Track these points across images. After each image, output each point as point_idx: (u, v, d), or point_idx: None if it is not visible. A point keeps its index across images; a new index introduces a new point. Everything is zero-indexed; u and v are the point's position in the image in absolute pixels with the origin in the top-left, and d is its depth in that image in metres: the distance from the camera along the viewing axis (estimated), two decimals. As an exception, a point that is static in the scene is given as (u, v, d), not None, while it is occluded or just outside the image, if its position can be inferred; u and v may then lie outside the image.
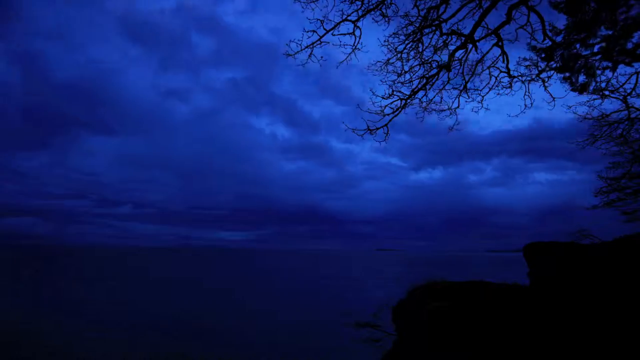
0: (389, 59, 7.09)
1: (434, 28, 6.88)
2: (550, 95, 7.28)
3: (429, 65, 7.23)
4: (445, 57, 7.18)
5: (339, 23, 6.60)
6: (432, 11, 6.63)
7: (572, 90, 7.45)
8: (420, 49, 7.09)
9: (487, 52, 7.10)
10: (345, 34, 6.79)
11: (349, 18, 6.61)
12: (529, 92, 7.24)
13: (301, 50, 6.65)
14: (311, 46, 6.66)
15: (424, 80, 7.32)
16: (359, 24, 6.71)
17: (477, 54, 7.11)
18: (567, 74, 7.29)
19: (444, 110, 7.63)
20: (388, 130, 7.51)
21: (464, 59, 7.27)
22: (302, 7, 6.31)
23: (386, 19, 6.61)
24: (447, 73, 7.32)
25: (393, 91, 7.28)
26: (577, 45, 6.88)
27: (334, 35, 6.72)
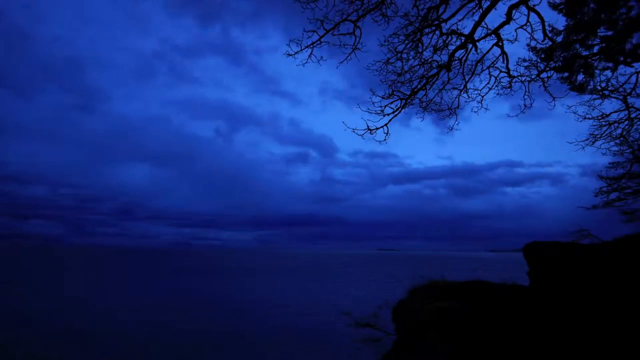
0: (388, 59, 7.09)
1: (433, 28, 6.88)
2: (551, 95, 7.29)
3: (429, 65, 7.24)
4: (445, 57, 7.18)
5: (339, 23, 6.60)
6: (432, 11, 6.63)
7: (571, 89, 7.46)
8: (420, 49, 7.09)
9: (487, 52, 7.11)
10: (345, 34, 6.79)
11: (349, 18, 6.62)
12: (529, 92, 7.26)
13: (301, 50, 6.66)
14: (311, 46, 6.67)
15: (424, 80, 7.32)
16: (359, 24, 6.71)
17: (477, 54, 7.11)
18: (567, 74, 7.30)
19: (444, 110, 7.66)
20: (388, 130, 7.52)
21: (464, 59, 7.27)
22: (302, 7, 6.31)
23: (386, 19, 6.61)
24: (447, 73, 7.33)
25: (393, 91, 7.29)
26: (577, 46, 6.89)
27: (334, 35, 6.72)
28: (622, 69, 7.27)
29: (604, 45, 6.58)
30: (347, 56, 6.98)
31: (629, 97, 7.95)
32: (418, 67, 7.22)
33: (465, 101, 7.59)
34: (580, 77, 7.08)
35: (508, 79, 7.29)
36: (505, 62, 7.14)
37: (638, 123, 8.44)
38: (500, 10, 6.34)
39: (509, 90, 7.34)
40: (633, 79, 7.58)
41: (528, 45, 6.97)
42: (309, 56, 6.76)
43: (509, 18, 6.41)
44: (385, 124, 7.46)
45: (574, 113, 8.35)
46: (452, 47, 7.06)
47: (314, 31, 6.55)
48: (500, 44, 6.86)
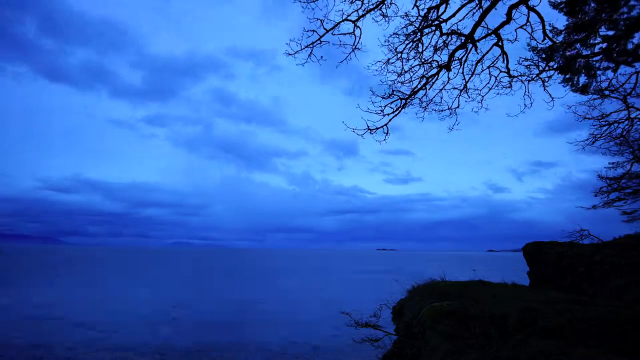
0: (389, 59, 7.09)
1: (434, 28, 6.87)
2: (550, 95, 7.28)
3: (429, 65, 7.23)
4: (445, 57, 7.18)
5: (339, 23, 6.59)
6: (432, 11, 6.63)
7: (573, 90, 7.45)
8: (420, 49, 7.09)
9: (487, 52, 7.11)
10: (345, 34, 6.79)
11: (349, 18, 6.61)
12: (528, 92, 7.25)
13: (301, 49, 6.65)
14: (311, 45, 6.66)
15: (424, 80, 7.32)
16: (359, 23, 6.71)
17: (477, 54, 7.11)
18: (568, 75, 7.29)
19: (444, 110, 7.65)
20: (388, 130, 7.52)
21: (464, 59, 7.27)
22: (302, 7, 6.30)
23: (386, 19, 6.60)
24: (447, 73, 7.33)
25: (393, 91, 7.28)
26: (578, 45, 6.87)
27: (334, 35, 6.72)
28: (622, 68, 7.26)
29: (605, 45, 6.57)
30: (347, 56, 6.98)
31: (629, 97, 7.94)
32: (418, 67, 7.22)
33: (466, 101, 7.59)
34: (582, 78, 7.08)
35: (508, 78, 7.29)
36: (505, 62, 7.13)
37: (638, 123, 8.43)
38: (501, 10, 6.34)
39: (509, 90, 7.33)
40: (633, 79, 7.58)
41: (528, 44, 6.97)
42: (309, 56, 6.75)
43: (509, 18, 6.40)
44: (385, 124, 7.46)
45: (574, 113, 8.35)
46: (452, 47, 7.06)
47: (313, 31, 6.54)
48: (500, 43, 6.85)
